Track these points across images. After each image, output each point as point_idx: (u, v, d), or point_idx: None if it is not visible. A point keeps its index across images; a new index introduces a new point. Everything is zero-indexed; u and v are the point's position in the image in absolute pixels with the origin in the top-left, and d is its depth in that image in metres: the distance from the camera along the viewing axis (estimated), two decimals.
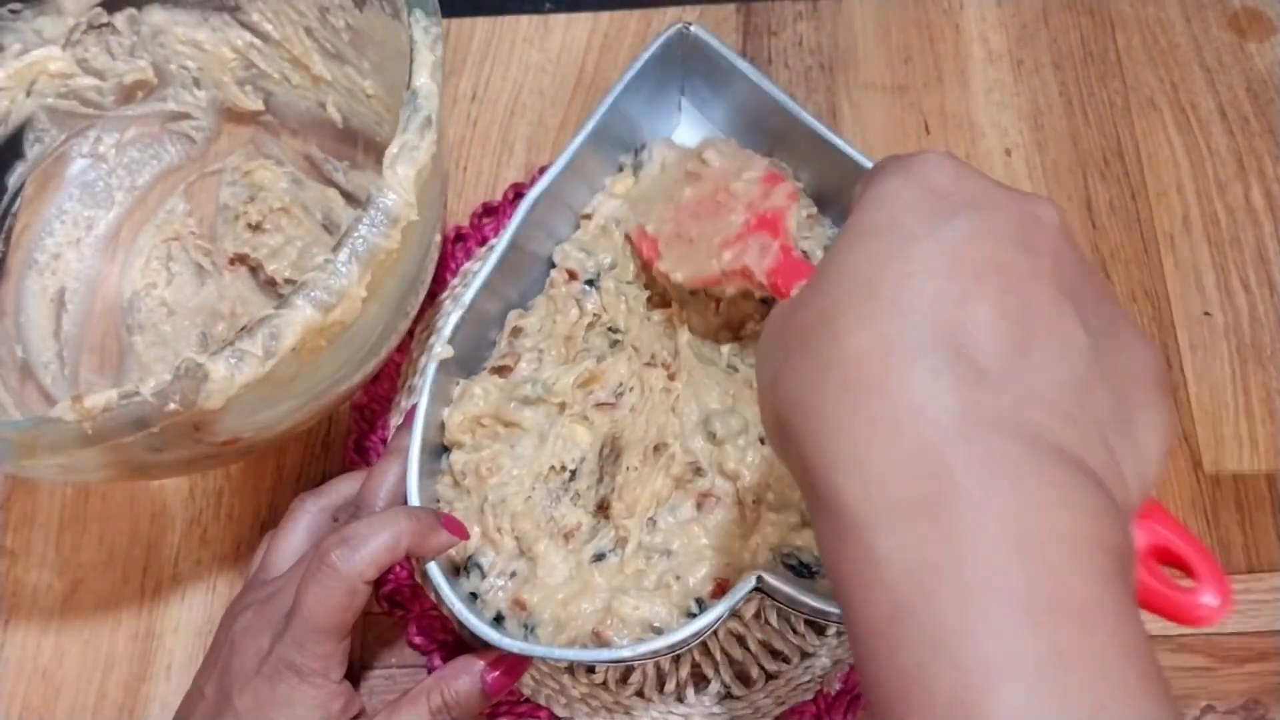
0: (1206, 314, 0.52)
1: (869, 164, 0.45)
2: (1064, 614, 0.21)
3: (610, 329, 0.46)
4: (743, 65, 0.46)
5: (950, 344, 0.23)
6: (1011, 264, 0.24)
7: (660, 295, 0.47)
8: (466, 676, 0.41)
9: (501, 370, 0.45)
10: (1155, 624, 0.46)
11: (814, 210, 0.48)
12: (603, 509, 0.42)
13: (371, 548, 0.37)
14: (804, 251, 0.48)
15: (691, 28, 0.47)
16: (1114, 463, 0.24)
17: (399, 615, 0.47)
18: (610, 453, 0.43)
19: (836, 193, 0.48)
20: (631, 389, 0.44)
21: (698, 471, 0.42)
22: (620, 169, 0.50)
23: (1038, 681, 0.20)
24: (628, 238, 0.47)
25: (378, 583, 0.47)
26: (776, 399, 0.26)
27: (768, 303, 0.47)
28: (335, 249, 0.35)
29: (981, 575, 0.21)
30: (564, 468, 0.43)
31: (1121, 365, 0.25)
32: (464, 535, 0.40)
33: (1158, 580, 0.25)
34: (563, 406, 0.44)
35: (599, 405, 0.44)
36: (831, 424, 0.23)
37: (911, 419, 0.22)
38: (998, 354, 0.23)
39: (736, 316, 0.46)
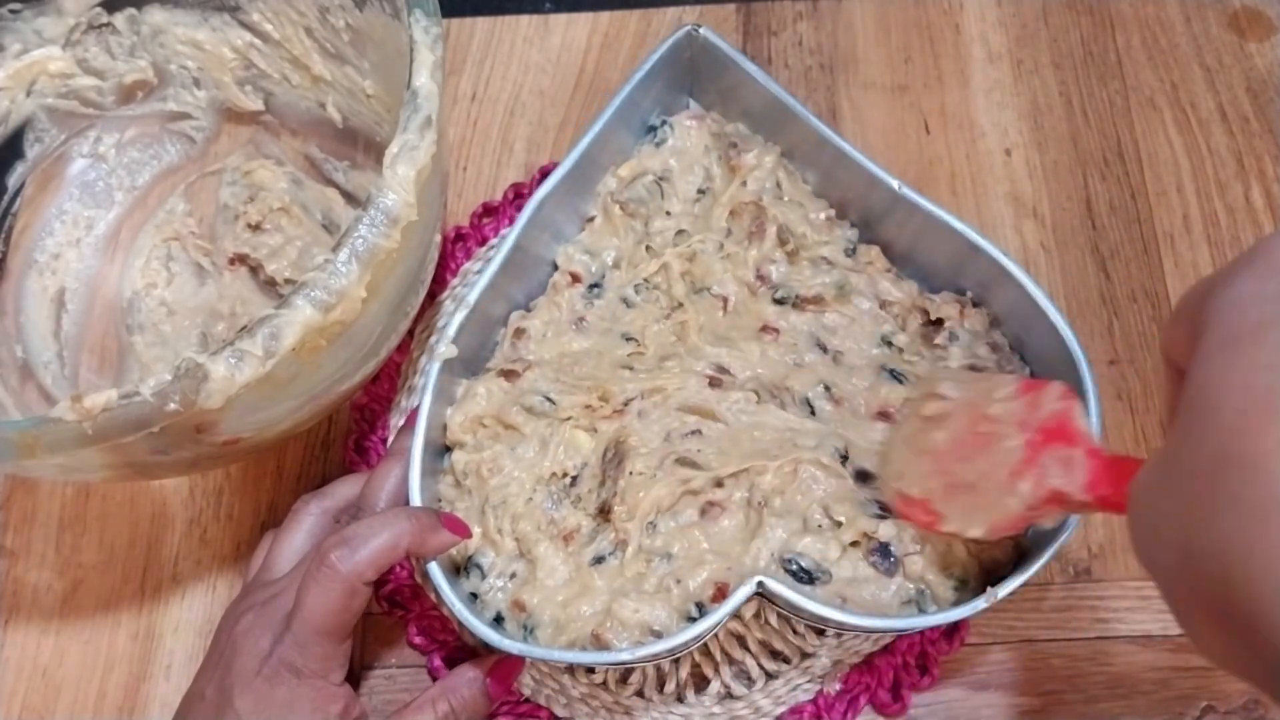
0: None
1: (878, 170, 0.45)
2: None
3: (626, 337, 0.46)
4: (751, 67, 0.47)
5: None
6: None
7: (665, 287, 0.47)
8: (470, 683, 0.42)
9: (509, 375, 0.45)
10: (1155, 624, 0.46)
11: (831, 213, 0.48)
12: (604, 513, 0.42)
13: (371, 548, 0.37)
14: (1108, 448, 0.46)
15: (700, 30, 0.47)
16: None
17: (399, 615, 0.47)
18: (614, 456, 0.43)
19: (846, 197, 0.48)
20: (641, 397, 0.44)
21: (718, 483, 0.42)
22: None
23: None
24: (894, 510, 0.41)
25: (378, 583, 0.47)
26: (1195, 577, 0.21)
27: (783, 301, 0.47)
28: (335, 249, 0.35)
29: None
30: (565, 474, 0.43)
31: None
32: (466, 534, 0.40)
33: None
34: (567, 419, 0.44)
35: (606, 416, 0.44)
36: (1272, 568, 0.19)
37: None
38: None
39: (749, 318, 0.46)
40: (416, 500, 0.41)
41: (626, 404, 0.44)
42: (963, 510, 0.37)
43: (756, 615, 0.46)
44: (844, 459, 0.42)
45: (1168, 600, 0.22)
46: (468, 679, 0.42)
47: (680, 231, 0.48)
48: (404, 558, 0.38)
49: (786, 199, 0.48)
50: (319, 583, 0.36)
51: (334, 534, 0.38)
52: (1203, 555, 0.20)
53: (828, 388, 0.44)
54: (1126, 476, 0.30)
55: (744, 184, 0.48)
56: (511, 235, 0.45)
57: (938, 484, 0.38)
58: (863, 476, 0.42)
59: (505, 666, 0.43)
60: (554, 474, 0.43)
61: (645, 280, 0.48)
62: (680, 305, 0.47)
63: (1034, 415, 0.36)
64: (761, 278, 0.47)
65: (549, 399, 0.44)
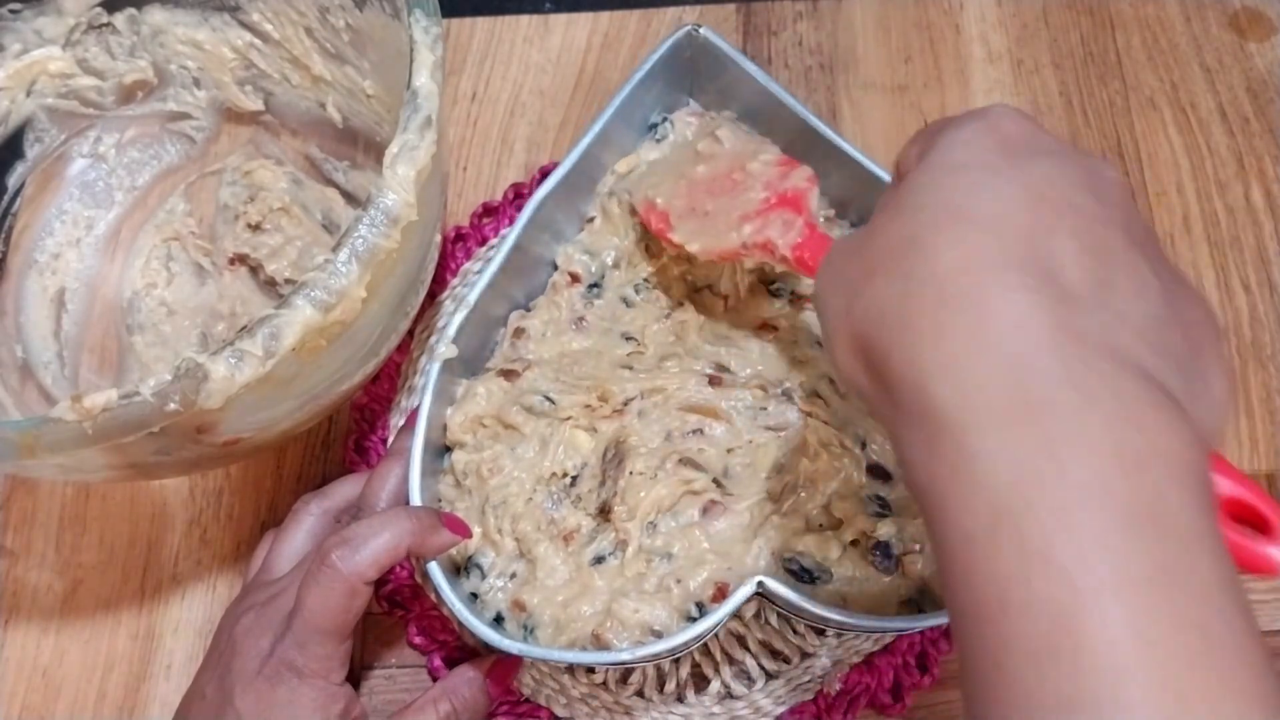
0: None
1: (880, 171, 0.45)
2: (1167, 532, 0.21)
3: (626, 337, 0.46)
4: (751, 68, 0.47)
5: (1041, 268, 0.23)
6: (1088, 208, 0.25)
7: (664, 287, 0.47)
8: (470, 683, 0.42)
9: (508, 374, 0.45)
10: None
11: (831, 213, 0.48)
12: (604, 513, 0.42)
13: (372, 548, 0.37)
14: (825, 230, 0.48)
15: (700, 30, 0.47)
16: (1191, 401, 0.24)
17: (399, 615, 0.47)
18: (614, 456, 0.43)
19: (846, 196, 0.48)
20: (640, 397, 0.44)
21: (719, 485, 0.42)
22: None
23: (1142, 597, 0.20)
24: (633, 211, 0.47)
25: (378, 583, 0.47)
26: (855, 320, 0.26)
27: (780, 294, 0.47)
28: (335, 249, 0.35)
29: (1084, 484, 0.21)
30: (565, 474, 0.43)
31: (1188, 316, 0.26)
32: (466, 534, 0.41)
33: (1229, 529, 0.25)
34: (567, 419, 0.44)
35: (606, 416, 0.44)
36: (927, 336, 0.24)
37: (1010, 330, 0.23)
38: (1084, 281, 0.24)
39: (749, 316, 0.46)
40: (417, 500, 0.41)
41: (626, 404, 0.44)
42: (691, 229, 0.43)
43: (757, 615, 0.46)
44: (863, 446, 0.42)
45: (826, 331, 0.28)
46: (467, 679, 0.42)
47: None
48: (405, 558, 0.38)
49: None
50: (320, 583, 0.36)
51: (335, 534, 0.38)
52: (868, 304, 0.26)
53: (831, 380, 0.44)
54: (824, 251, 0.36)
55: None
56: (511, 235, 0.45)
57: (682, 204, 0.44)
58: (875, 471, 0.42)
59: (503, 666, 0.43)
60: (554, 474, 0.43)
61: (645, 280, 0.48)
62: (680, 305, 0.47)
63: (780, 183, 0.42)
64: (759, 274, 0.47)
65: (549, 398, 0.44)
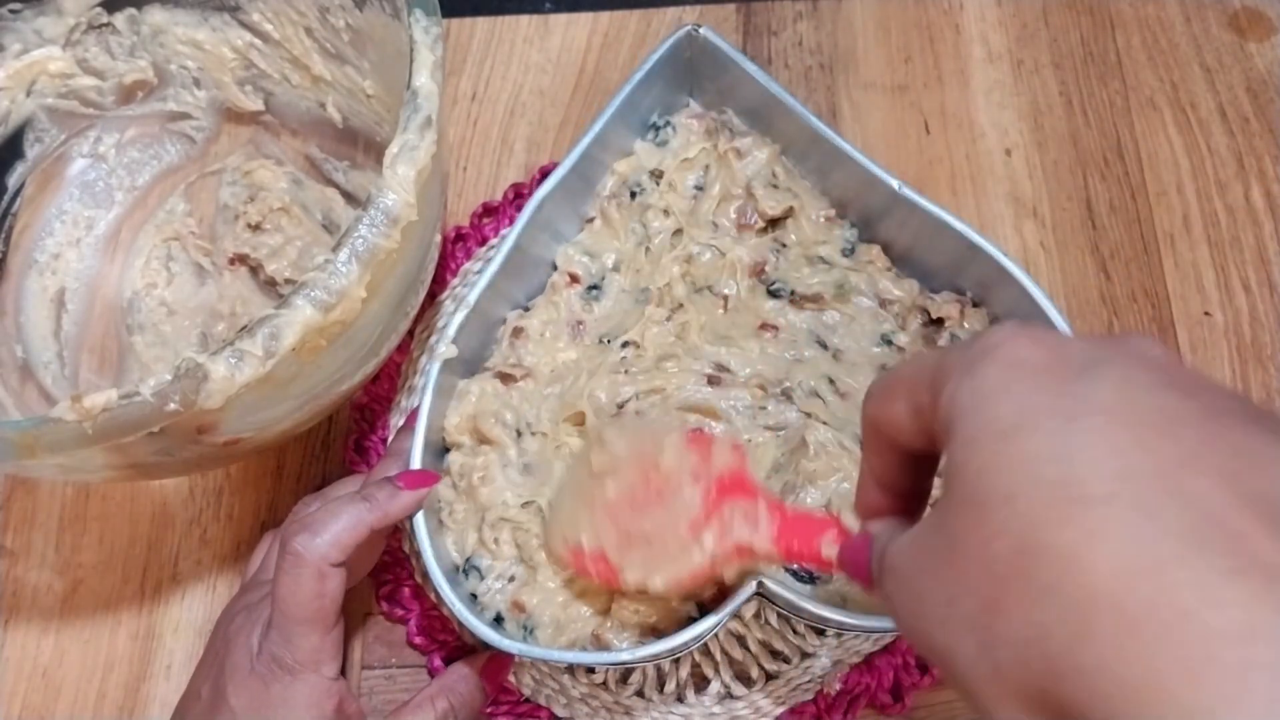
0: (1206, 314, 0.52)
1: (878, 170, 0.45)
2: None
3: (624, 341, 0.46)
4: (751, 67, 0.46)
5: (1224, 535, 0.18)
6: (1182, 410, 0.20)
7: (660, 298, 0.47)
8: (465, 679, 0.42)
9: (505, 378, 0.45)
10: None
11: (831, 213, 0.48)
12: None
13: (332, 530, 0.37)
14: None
15: (700, 30, 0.47)
16: None
17: (399, 615, 0.47)
18: None
19: (846, 197, 0.48)
20: (637, 398, 0.44)
21: None
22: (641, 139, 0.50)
23: None
24: (560, 562, 0.40)
25: (379, 583, 0.47)
26: (1012, 671, 0.20)
27: (780, 295, 0.47)
28: (335, 249, 0.35)
29: None
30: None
31: None
32: (430, 481, 0.40)
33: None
34: (559, 447, 0.44)
35: (609, 418, 0.44)
36: (1126, 679, 0.18)
37: (1250, 651, 0.17)
38: (1257, 520, 0.18)
39: (749, 316, 0.46)
40: None
41: (622, 406, 0.44)
42: (642, 562, 0.36)
43: (756, 615, 0.46)
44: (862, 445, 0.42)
45: (962, 679, 0.21)
46: (463, 675, 0.42)
47: (677, 231, 0.48)
48: (373, 530, 0.38)
49: (783, 189, 0.48)
50: (286, 572, 0.36)
51: (295, 522, 0.38)
52: (1016, 643, 0.20)
53: (831, 380, 0.44)
54: (816, 532, 0.32)
55: (735, 170, 0.48)
56: (511, 235, 0.45)
57: (611, 536, 0.37)
58: None
59: (497, 663, 0.43)
60: (560, 480, 0.43)
61: (644, 290, 0.48)
62: (680, 306, 0.47)
63: (708, 466, 0.36)
64: (757, 272, 0.47)
65: (535, 431, 0.44)
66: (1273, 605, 0.17)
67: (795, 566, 0.40)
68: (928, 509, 0.27)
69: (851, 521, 0.31)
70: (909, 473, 0.28)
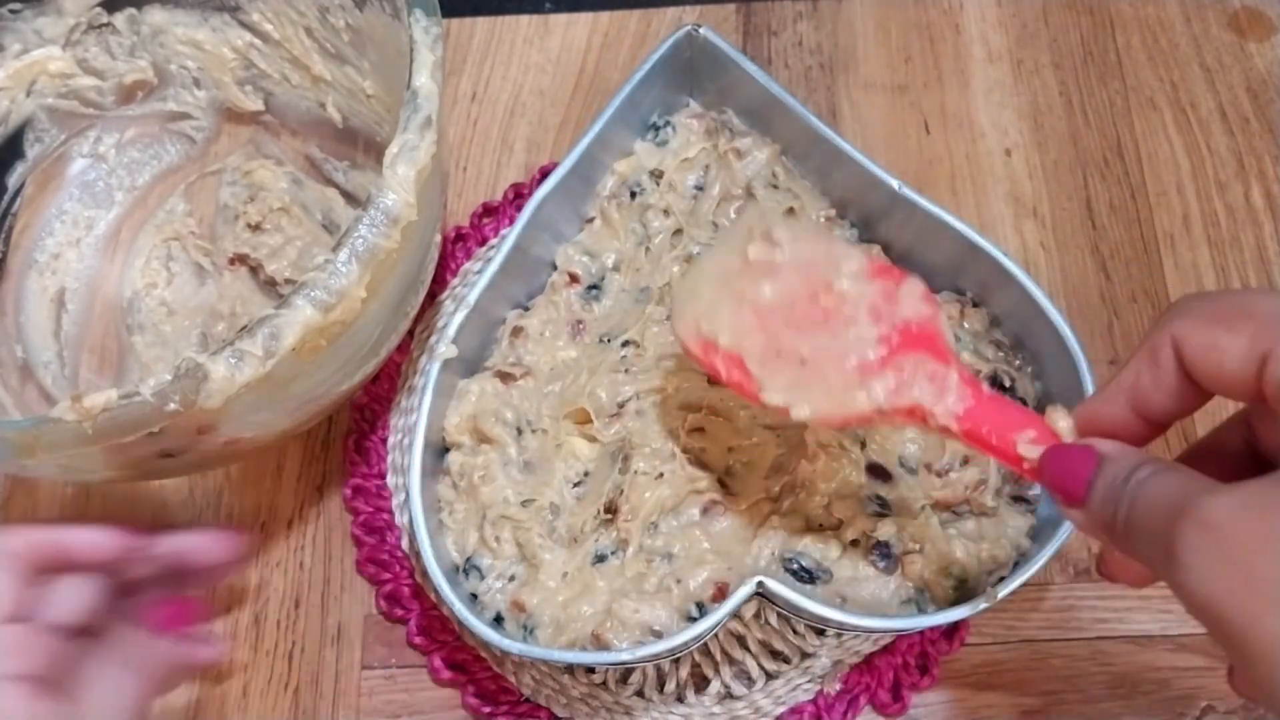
0: None
1: (878, 170, 0.45)
2: None
3: (625, 340, 0.46)
4: (751, 67, 0.47)
5: None
6: None
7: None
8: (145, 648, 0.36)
9: (505, 377, 0.45)
10: (1155, 624, 0.46)
11: (832, 213, 0.48)
12: (610, 511, 0.42)
13: None
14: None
15: (700, 30, 0.47)
16: None
17: (399, 615, 0.47)
18: (619, 455, 0.43)
19: (846, 197, 0.48)
20: (637, 398, 0.44)
21: (723, 484, 0.42)
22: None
23: None
24: (686, 351, 0.37)
25: (379, 583, 0.47)
26: None
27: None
28: (335, 249, 0.35)
29: None
30: (570, 482, 0.44)
31: None
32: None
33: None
34: (559, 446, 0.44)
35: (604, 420, 0.44)
36: None
37: None
38: None
39: None
40: (417, 502, 0.41)
41: (622, 405, 0.44)
42: (788, 384, 0.33)
43: (756, 615, 0.46)
44: (863, 445, 0.42)
45: (1267, 666, 0.20)
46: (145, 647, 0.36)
47: (677, 231, 0.48)
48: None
49: (783, 189, 0.48)
50: None
51: None
52: None
53: None
54: (1015, 425, 0.29)
55: (735, 171, 0.48)
56: (511, 235, 0.45)
57: (757, 343, 0.33)
58: (874, 471, 0.42)
59: (173, 611, 0.38)
60: (563, 477, 0.43)
61: (644, 289, 0.48)
62: None
63: (892, 309, 0.32)
64: None
65: (536, 429, 0.44)
66: None
67: (795, 559, 0.40)
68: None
69: (1062, 423, 0.28)
70: (1177, 403, 0.25)
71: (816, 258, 0.34)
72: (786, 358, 0.33)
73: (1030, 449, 0.28)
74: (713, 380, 0.44)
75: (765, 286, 0.34)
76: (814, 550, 0.40)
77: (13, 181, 0.52)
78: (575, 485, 0.43)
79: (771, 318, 0.33)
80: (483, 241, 0.54)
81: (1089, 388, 0.40)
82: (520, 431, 0.44)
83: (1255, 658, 0.20)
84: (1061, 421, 0.28)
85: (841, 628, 0.41)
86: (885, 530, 0.40)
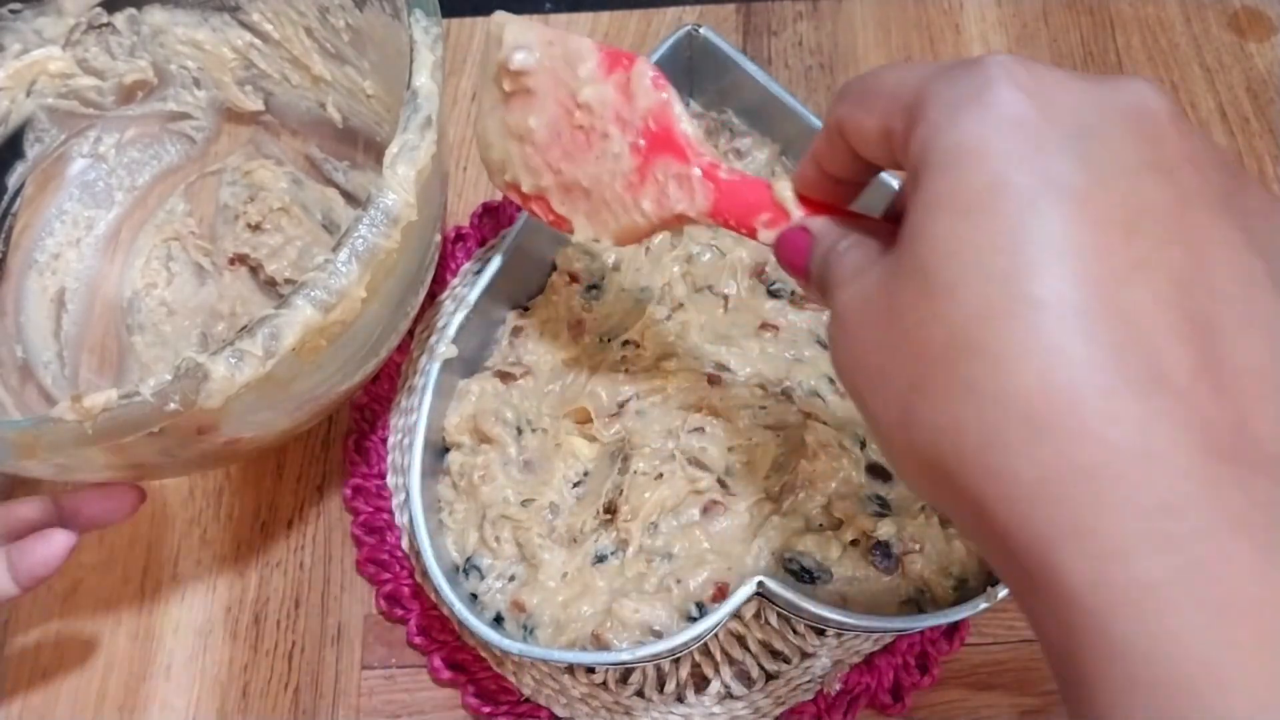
0: None
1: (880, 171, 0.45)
2: None
3: (624, 340, 0.46)
4: (751, 68, 0.47)
5: (1144, 353, 0.18)
6: (1155, 200, 0.19)
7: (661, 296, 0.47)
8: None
9: (505, 376, 0.45)
10: None
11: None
12: (610, 511, 0.42)
13: None
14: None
15: (700, 30, 0.47)
16: None
17: (399, 615, 0.47)
18: (619, 455, 0.43)
19: None
20: (637, 398, 0.44)
21: (723, 484, 0.42)
22: None
23: None
24: (517, 201, 0.38)
25: (379, 583, 0.47)
26: (922, 445, 0.21)
27: (780, 295, 0.46)
28: (335, 249, 0.35)
29: None
30: (571, 482, 0.43)
31: None
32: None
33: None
34: (558, 446, 0.44)
35: (604, 420, 0.44)
36: (1027, 484, 0.19)
37: (1141, 469, 0.18)
38: (1201, 353, 0.18)
39: (749, 316, 0.46)
40: (417, 501, 0.41)
41: (622, 405, 0.44)
42: (586, 216, 0.34)
43: (757, 615, 0.46)
44: (863, 445, 0.42)
45: (880, 440, 0.23)
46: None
47: (677, 231, 0.48)
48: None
49: None
50: None
51: None
52: (933, 428, 0.20)
53: (831, 380, 0.44)
54: (752, 210, 0.30)
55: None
56: (511, 235, 0.45)
57: (549, 181, 0.34)
58: (874, 471, 0.42)
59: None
60: (564, 478, 0.43)
61: (644, 289, 0.48)
62: (680, 306, 0.47)
63: (631, 108, 0.32)
64: (758, 272, 0.47)
65: (536, 428, 0.44)
66: (1171, 423, 0.18)
67: (795, 559, 0.40)
68: (873, 241, 0.25)
69: (786, 194, 0.29)
70: (859, 171, 0.27)
71: (558, 68, 0.34)
72: (575, 190, 0.34)
73: (767, 233, 0.30)
74: (711, 380, 0.44)
75: (531, 119, 0.34)
76: (814, 550, 0.40)
77: (13, 181, 0.52)
78: (575, 485, 0.43)
79: (550, 151, 0.34)
80: (483, 241, 0.54)
81: None
82: (520, 431, 0.44)
83: (871, 433, 0.24)
84: (785, 192, 0.29)
85: (841, 628, 0.41)
86: (885, 530, 0.40)
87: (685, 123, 0.32)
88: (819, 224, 0.28)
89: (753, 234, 0.30)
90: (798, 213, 0.29)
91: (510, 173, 0.35)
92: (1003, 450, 0.19)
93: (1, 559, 0.37)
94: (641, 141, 0.32)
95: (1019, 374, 0.19)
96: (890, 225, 0.26)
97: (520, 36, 0.34)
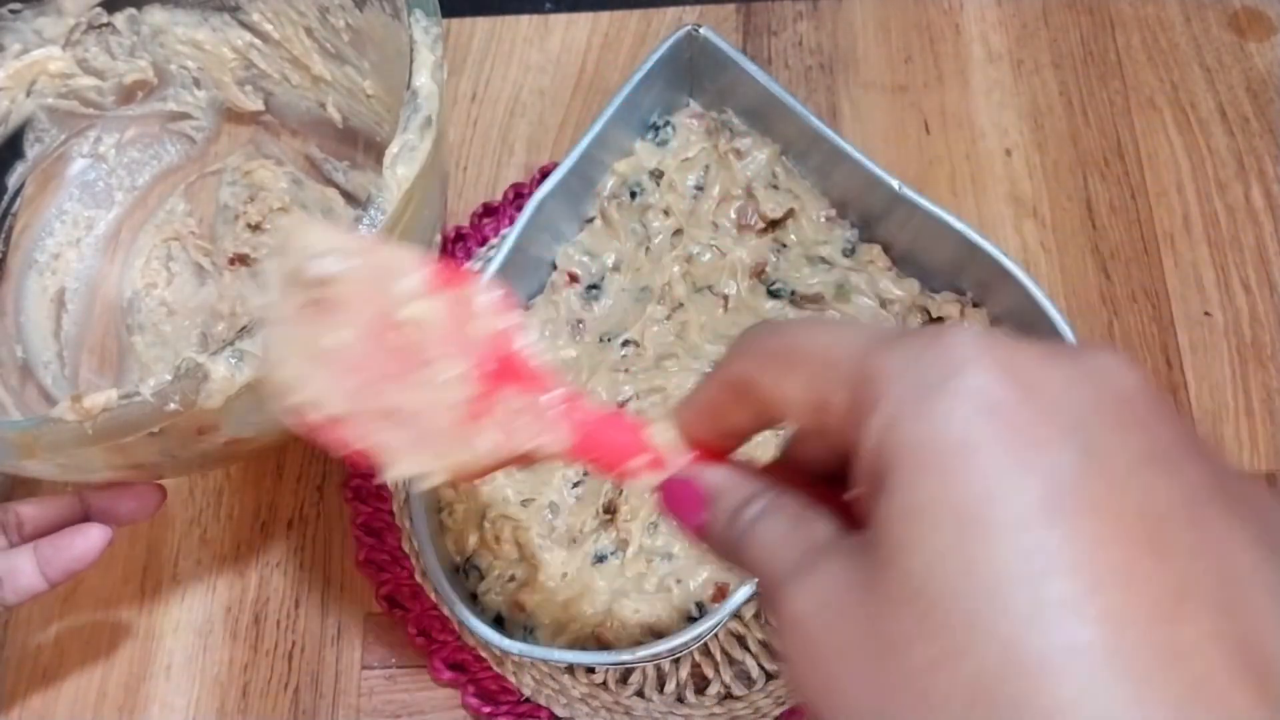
0: (1206, 314, 0.52)
1: (878, 170, 0.45)
2: None
3: (624, 340, 0.46)
4: (751, 68, 0.47)
5: (1212, 704, 0.15)
6: (1168, 502, 0.17)
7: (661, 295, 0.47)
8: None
9: None
10: None
11: (832, 213, 0.48)
12: (609, 511, 0.42)
13: None
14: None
15: (700, 30, 0.47)
16: None
17: (399, 615, 0.47)
18: None
19: (846, 197, 0.48)
20: (637, 398, 0.44)
21: None
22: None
23: None
24: (311, 434, 0.29)
25: (379, 583, 0.47)
26: None
27: (780, 295, 0.47)
28: None
29: None
30: (570, 482, 0.44)
31: None
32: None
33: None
34: None
35: None
36: None
37: None
38: (1266, 692, 0.16)
39: (749, 316, 0.46)
40: (417, 501, 0.41)
41: (622, 405, 0.44)
42: (403, 448, 0.27)
43: (757, 615, 0.46)
44: None
45: None
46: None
47: (677, 231, 0.48)
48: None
49: (783, 190, 0.48)
50: None
51: None
52: None
53: None
54: (625, 454, 0.25)
55: (735, 171, 0.48)
56: (511, 235, 0.45)
57: (355, 406, 0.27)
58: None
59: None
60: (562, 477, 0.43)
61: (644, 288, 0.48)
62: (680, 305, 0.47)
63: (467, 332, 0.27)
64: (758, 272, 0.47)
65: None
66: None
67: None
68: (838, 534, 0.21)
69: (669, 437, 0.25)
70: (759, 428, 0.23)
71: (375, 278, 0.28)
72: (389, 418, 0.28)
73: (647, 478, 0.25)
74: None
75: (343, 331, 0.27)
76: None
77: (13, 181, 0.52)
78: (575, 485, 0.43)
79: (360, 374, 0.28)
80: (483, 241, 0.54)
81: None
82: None
83: None
84: (667, 435, 0.25)
85: None
86: None
87: (537, 349, 0.27)
88: (717, 477, 0.23)
89: (624, 478, 0.26)
90: (683, 460, 0.24)
91: (305, 395, 0.28)
92: None
93: (29, 555, 0.37)
94: (482, 370, 0.26)
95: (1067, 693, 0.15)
96: (797, 479, 0.23)
97: (322, 241, 0.27)
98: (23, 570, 0.37)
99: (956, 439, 0.17)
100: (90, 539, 0.37)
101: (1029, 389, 0.17)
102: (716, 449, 0.24)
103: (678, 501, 0.24)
